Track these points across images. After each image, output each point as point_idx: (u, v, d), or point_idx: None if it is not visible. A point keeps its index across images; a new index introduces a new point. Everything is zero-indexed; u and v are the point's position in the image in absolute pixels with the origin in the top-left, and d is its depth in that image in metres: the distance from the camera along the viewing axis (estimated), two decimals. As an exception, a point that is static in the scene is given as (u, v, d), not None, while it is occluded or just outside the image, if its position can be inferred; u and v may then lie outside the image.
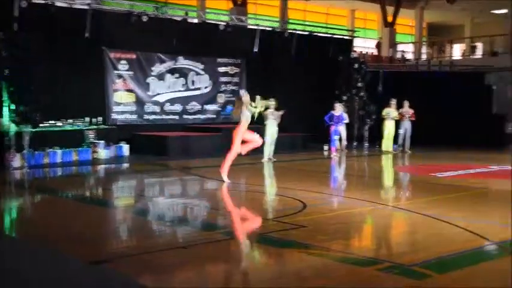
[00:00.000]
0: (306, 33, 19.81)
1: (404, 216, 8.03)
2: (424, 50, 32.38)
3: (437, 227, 7.19)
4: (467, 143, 19.29)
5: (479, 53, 30.41)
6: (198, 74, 17.59)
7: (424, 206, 8.54)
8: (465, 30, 33.51)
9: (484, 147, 18.62)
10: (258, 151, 12.82)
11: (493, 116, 22.40)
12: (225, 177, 10.55)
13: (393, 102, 17.29)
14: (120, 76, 15.93)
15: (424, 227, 7.30)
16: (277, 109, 14.53)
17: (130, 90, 16.19)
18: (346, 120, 16.63)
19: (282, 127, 14.93)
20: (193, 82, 17.50)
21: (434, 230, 7.09)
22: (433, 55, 31.00)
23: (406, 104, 17.30)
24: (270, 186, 11.15)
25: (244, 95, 10.55)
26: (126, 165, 13.98)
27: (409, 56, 31.25)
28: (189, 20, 17.74)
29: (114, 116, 15.84)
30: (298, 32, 19.55)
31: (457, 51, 32.71)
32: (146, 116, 16.55)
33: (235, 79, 18.37)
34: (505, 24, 28.02)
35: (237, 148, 10.55)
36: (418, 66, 25.43)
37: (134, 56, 16.19)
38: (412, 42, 31.74)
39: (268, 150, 14.58)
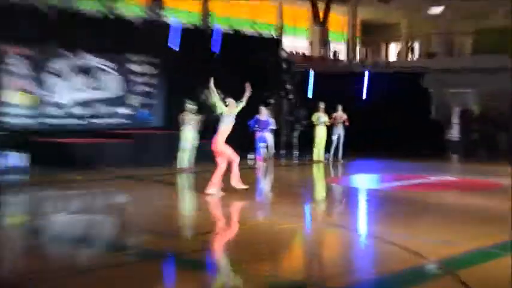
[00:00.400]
0: (231, 30, 19.71)
1: (337, 233, 8.00)
2: (358, 49, 33.16)
3: (372, 246, 7.18)
4: (405, 150, 19.79)
5: (416, 53, 31.51)
6: (107, 73, 17.05)
7: (354, 221, 8.57)
8: (401, 29, 34.63)
9: (422, 156, 19.17)
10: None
11: (432, 122, 23.20)
12: (215, 191, 10.32)
13: (322, 106, 17.46)
14: (10, 73, 15.11)
15: (358, 246, 7.27)
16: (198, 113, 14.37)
17: (24, 90, 15.41)
18: (273, 126, 16.62)
19: (202, 133, 14.71)
20: (101, 82, 16.94)
21: (369, 248, 7.08)
22: (367, 55, 31.82)
23: (339, 108, 17.50)
24: (188, 201, 10.89)
25: (230, 103, 10.46)
26: (17, 177, 13.25)
27: (342, 56, 31.89)
28: (98, 12, 17.16)
29: (4, 119, 15.00)
30: (222, 29, 19.41)
31: (393, 51, 33.73)
32: (46, 120, 15.82)
33: (151, 80, 17.96)
34: (441, 23, 29.18)
35: (235, 158, 10.51)
36: (351, 66, 25.95)
37: (28, 51, 15.43)
38: (345, 41, 32.42)
39: (187, 158, 14.39)
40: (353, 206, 10.50)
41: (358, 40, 33.63)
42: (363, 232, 8.17)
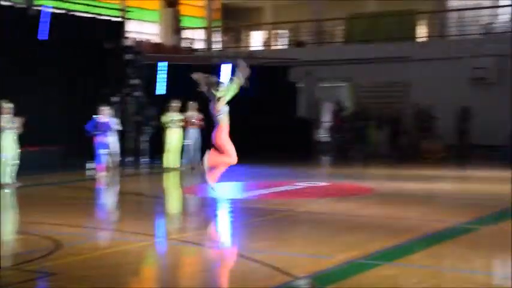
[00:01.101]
0: (61, 11, 19.23)
1: (191, 251, 8.12)
2: (217, 37, 33.62)
3: (228, 263, 7.39)
4: (270, 153, 20.41)
5: (283, 42, 32.53)
6: None
7: (214, 236, 8.74)
8: (266, 15, 35.57)
9: (289, 159, 19.87)
10: None
11: (300, 121, 24.10)
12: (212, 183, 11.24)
13: (175, 104, 17.57)
14: None
15: (212, 263, 7.44)
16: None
17: None
18: (117, 128, 16.47)
19: (23, 138, 14.18)
20: None
21: (227, 267, 7.26)
22: (228, 44, 32.37)
23: (193, 106, 17.65)
24: (7, 222, 10.52)
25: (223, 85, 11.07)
26: None
27: (200, 45, 32.20)
28: None
29: None
30: (49, 9, 18.88)
31: (257, 39, 34.53)
32: None
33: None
34: (311, 8, 30.38)
35: (234, 157, 11.24)
36: (210, 57, 26.31)
37: None
38: (203, 28, 32.76)
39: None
40: (211, 219, 10.69)
41: (217, 26, 34.06)
42: (221, 249, 8.36)
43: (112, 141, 16.26)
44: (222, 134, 11.20)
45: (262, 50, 31.15)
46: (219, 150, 11.24)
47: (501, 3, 29.46)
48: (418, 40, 28.75)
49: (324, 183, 14.85)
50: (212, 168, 11.39)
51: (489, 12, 27.70)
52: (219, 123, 11.20)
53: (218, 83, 11.33)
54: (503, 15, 28.04)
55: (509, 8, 27.31)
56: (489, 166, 18.15)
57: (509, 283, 6.59)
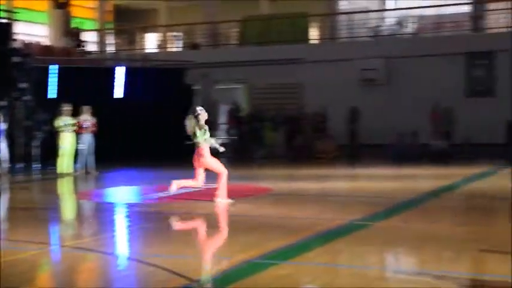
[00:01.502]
0: None
1: (85, 257, 7.95)
2: (111, 39, 33.11)
3: (125, 268, 7.29)
4: (168, 156, 20.28)
5: (178, 45, 32.42)
6: None
7: (108, 242, 8.61)
8: (161, 17, 35.34)
9: (187, 162, 19.73)
10: None
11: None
12: (224, 200, 11.55)
13: (67, 108, 17.16)
14: None
15: (108, 269, 7.33)
16: None
17: None
18: (3, 132, 15.93)
19: None
20: None
21: (121, 271, 7.17)
22: (122, 46, 31.94)
23: (87, 110, 17.31)
24: None
25: (201, 113, 11.51)
26: None
27: (93, 47, 31.59)
28: None
29: None
30: None
31: (151, 41, 34.26)
32: None
33: None
34: (206, 10, 30.41)
35: (222, 170, 11.70)
36: (103, 60, 25.89)
37: None
38: (95, 30, 32.17)
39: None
40: (107, 224, 10.52)
41: (110, 28, 33.56)
42: (117, 254, 8.23)
43: (1, 147, 15.71)
44: (199, 158, 11.64)
45: (157, 52, 30.95)
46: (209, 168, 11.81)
47: (387, 6, 30.57)
48: (311, 42, 29.38)
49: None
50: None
51: (376, 15, 28.64)
52: (197, 147, 11.67)
53: (196, 112, 11.76)
54: (389, 19, 29.10)
55: (396, 11, 28.38)
56: (378, 164, 18.75)
57: (402, 276, 6.84)
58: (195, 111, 11.77)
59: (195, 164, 11.78)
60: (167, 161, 19.84)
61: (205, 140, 11.61)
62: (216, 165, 11.84)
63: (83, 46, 29.91)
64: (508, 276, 6.50)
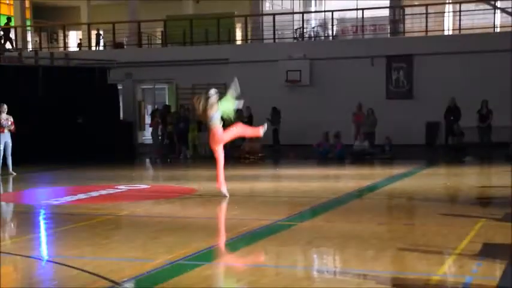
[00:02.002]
0: None
1: (3, 260, 7.74)
2: (30, 37, 32.33)
3: (45, 271, 7.15)
4: (91, 156, 19.97)
5: (100, 43, 31.92)
6: None
7: (28, 245, 8.42)
8: (81, 15, 34.73)
9: (111, 162, 19.55)
10: None
11: (122, 123, 23.80)
12: (224, 190, 12.19)
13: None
14: None
15: (28, 272, 7.19)
16: None
17: None
18: None
19: None
20: None
21: (41, 275, 7.03)
22: (42, 45, 31.23)
23: (3, 109, 16.80)
24: None
25: (214, 95, 11.78)
26: None
27: (11, 44, 30.74)
28: None
29: None
30: None
31: (73, 40, 33.64)
32: None
33: None
34: (129, 9, 30.05)
35: (220, 157, 12.17)
36: (22, 58, 25.21)
37: None
38: (13, 27, 31.34)
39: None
40: (26, 227, 10.24)
41: (29, 26, 32.80)
42: (37, 257, 8.04)
43: None
44: (216, 136, 12.01)
45: (80, 51, 30.40)
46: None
47: (312, 9, 30.95)
48: (236, 43, 29.46)
49: (146, 186, 14.76)
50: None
51: (300, 17, 28.94)
52: (211, 129, 12.03)
53: (207, 95, 11.99)
54: (313, 20, 29.50)
55: (320, 13, 28.78)
56: (303, 165, 18.95)
57: (326, 275, 6.94)
58: (207, 93, 12.06)
59: (212, 145, 12.21)
60: (89, 160, 19.53)
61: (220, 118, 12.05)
62: (218, 149, 12.31)
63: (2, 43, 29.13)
64: (426, 274, 6.69)
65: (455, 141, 20.51)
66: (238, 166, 19.38)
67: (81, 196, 12.84)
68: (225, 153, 20.15)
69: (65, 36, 32.28)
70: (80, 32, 33.83)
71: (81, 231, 9.43)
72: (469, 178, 15.58)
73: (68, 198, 12.66)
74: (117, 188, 14.01)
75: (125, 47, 30.30)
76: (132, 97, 27.90)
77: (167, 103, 28.67)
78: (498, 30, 26.09)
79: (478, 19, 25.92)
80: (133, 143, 23.60)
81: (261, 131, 12.55)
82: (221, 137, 12.14)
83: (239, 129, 12.61)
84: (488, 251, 7.55)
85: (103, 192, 13.43)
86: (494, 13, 25.85)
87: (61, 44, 32.19)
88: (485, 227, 9.01)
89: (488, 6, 25.90)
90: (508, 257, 7.17)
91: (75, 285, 6.54)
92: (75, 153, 20.03)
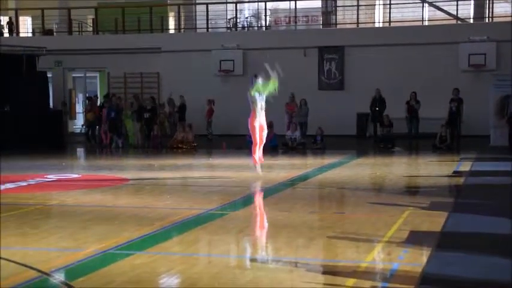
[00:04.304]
0: None
1: None
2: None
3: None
4: (19, 145, 19.50)
5: (28, 30, 31.19)
6: None
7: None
8: (9, 1, 33.82)
9: (40, 151, 19.13)
10: None
11: (51, 111, 23.33)
12: (258, 169, 13.30)
13: None
14: None
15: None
16: None
17: None
18: None
19: None
20: None
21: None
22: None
23: None
24: None
25: (256, 81, 13.24)
26: None
27: None
28: None
29: None
30: None
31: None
32: None
33: None
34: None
35: (254, 139, 13.16)
36: None
37: None
38: None
39: None
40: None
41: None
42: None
43: None
44: (250, 119, 13.22)
45: (7, 37, 29.59)
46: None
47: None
48: (169, 32, 29.24)
49: (76, 175, 14.54)
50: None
51: (233, 7, 28.91)
52: (251, 109, 13.31)
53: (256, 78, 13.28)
54: (247, 10, 29.52)
55: (253, 4, 28.82)
56: (235, 154, 19.00)
57: (257, 264, 7.00)
58: (253, 79, 13.48)
59: (250, 125, 13.31)
60: (17, 150, 19.07)
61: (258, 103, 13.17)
62: (252, 131, 13.36)
63: None
64: (356, 261, 6.83)
65: (384, 132, 20.91)
66: (171, 155, 19.30)
67: (9, 186, 12.54)
68: (158, 142, 20.07)
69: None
70: (6, 18, 32.90)
71: (8, 221, 9.21)
72: (398, 168, 15.93)
73: (-5, 188, 12.35)
74: (46, 178, 13.76)
75: (55, 34, 29.66)
76: (62, 85, 27.37)
77: (99, 91, 28.31)
78: (426, 23, 26.69)
79: (407, 12, 26.46)
80: (62, 132, 23.14)
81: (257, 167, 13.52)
82: (249, 121, 13.28)
83: (258, 136, 13.42)
84: (415, 239, 7.76)
85: (32, 181, 13.17)
86: (423, 6, 26.43)
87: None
88: (412, 215, 9.25)
89: (417, 0, 26.47)
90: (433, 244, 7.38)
91: (3, 274, 6.40)
92: (2, 142, 19.49)
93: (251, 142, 20.02)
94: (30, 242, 7.91)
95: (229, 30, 27.97)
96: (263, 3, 27.72)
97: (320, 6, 27.49)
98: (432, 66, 23.52)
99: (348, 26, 26.94)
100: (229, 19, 28.36)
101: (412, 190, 12.63)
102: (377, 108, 22.13)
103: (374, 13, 29.12)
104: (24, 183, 12.89)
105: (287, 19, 27.89)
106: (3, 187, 12.40)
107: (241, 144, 19.25)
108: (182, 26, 28.86)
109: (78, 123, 28.33)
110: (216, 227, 8.78)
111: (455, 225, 8.60)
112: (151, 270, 6.58)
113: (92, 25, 29.68)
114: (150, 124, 21.74)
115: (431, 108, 21.80)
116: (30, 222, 9.17)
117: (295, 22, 27.07)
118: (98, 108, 23.28)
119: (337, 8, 27.20)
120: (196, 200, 11.04)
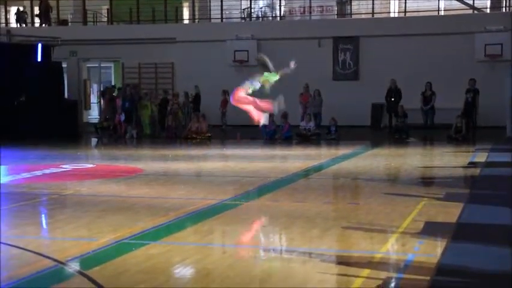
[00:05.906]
0: None
1: None
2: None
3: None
4: (35, 135, 19.60)
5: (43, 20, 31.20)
6: None
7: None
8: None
9: (56, 141, 19.22)
10: None
11: (66, 102, 23.43)
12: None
13: None
14: None
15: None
16: None
17: None
18: None
19: None
20: None
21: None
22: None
23: None
24: None
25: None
26: None
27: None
28: None
29: None
30: None
31: (15, 16, 32.73)
32: None
33: None
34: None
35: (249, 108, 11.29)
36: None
37: None
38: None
39: None
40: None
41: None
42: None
43: None
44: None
45: (23, 27, 29.68)
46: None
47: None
48: (183, 22, 29.22)
49: (91, 165, 14.59)
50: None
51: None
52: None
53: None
54: (261, 1, 29.42)
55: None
56: (250, 145, 18.98)
57: (271, 254, 7.00)
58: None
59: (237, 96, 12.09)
60: (32, 139, 19.16)
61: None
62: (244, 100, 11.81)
63: None
64: (370, 252, 6.81)
65: (399, 122, 20.81)
66: (185, 146, 19.33)
67: (25, 175, 12.62)
68: (173, 133, 19.97)
69: (6, 12, 31.44)
70: (21, 8, 32.95)
71: (24, 211, 9.28)
72: (412, 159, 15.86)
73: (12, 178, 12.42)
74: (61, 167, 13.82)
75: (70, 24, 29.72)
76: (77, 75, 27.44)
77: (114, 82, 28.35)
78: (442, 13, 26.48)
79: (423, 2, 26.26)
80: (77, 122, 23.22)
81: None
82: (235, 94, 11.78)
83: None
84: (430, 230, 7.72)
85: (47, 171, 13.23)
86: (439, -3, 26.22)
87: (2, 20, 31.35)
88: (427, 206, 9.21)
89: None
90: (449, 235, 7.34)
91: (18, 264, 6.44)
92: (17, 132, 19.60)
93: (266, 133, 20.16)
94: (45, 231, 7.95)
95: (243, 21, 27.89)
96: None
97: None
98: (448, 57, 23.32)
99: (363, 16, 26.79)
100: (244, 9, 28.28)
101: (427, 181, 12.58)
102: (392, 99, 22.02)
103: (389, 3, 28.92)
104: (39, 173, 12.95)
105: (302, 9, 27.77)
106: (19, 176, 12.47)
107: (256, 134, 19.23)
108: (197, 16, 28.82)
109: (93, 113, 28.42)
110: (230, 217, 8.78)
111: (470, 216, 8.55)
112: (165, 260, 6.59)
113: (106, 15, 29.70)
114: (164, 114, 21.83)
115: (446, 98, 21.65)
116: (46, 211, 9.23)
117: (310, 12, 26.95)
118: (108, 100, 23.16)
119: (352, -2, 27.06)
120: (210, 190, 11.05)
